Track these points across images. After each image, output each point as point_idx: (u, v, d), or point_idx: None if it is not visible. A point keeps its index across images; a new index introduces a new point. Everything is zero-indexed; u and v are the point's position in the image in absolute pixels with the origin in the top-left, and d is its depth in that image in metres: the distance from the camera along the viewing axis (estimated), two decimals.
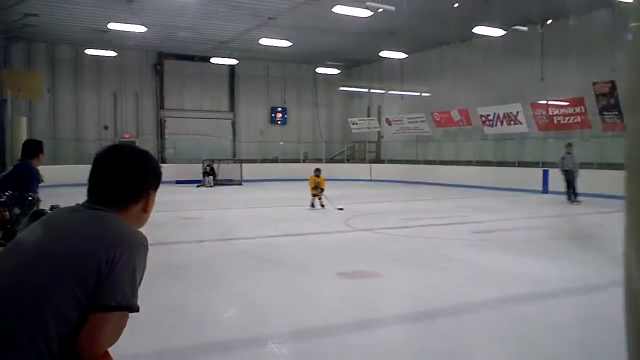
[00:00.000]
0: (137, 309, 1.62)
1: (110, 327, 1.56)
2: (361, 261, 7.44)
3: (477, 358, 4.08)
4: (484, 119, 21.08)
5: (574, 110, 18.16)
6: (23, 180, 5.49)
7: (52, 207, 8.72)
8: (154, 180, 1.86)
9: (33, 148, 5.70)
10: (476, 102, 21.63)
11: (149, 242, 1.70)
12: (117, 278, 1.56)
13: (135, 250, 1.64)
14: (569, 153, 15.25)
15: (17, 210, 5.02)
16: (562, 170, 15.28)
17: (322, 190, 13.27)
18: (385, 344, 4.30)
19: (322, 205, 13.23)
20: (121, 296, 1.56)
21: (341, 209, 12.86)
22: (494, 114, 20.65)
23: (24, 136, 14.55)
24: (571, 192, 15.07)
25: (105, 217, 1.70)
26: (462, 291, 5.75)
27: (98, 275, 1.54)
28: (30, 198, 5.31)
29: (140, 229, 1.76)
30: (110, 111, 25.86)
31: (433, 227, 10.87)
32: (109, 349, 1.59)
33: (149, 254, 1.70)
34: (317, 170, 13.50)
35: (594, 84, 17.23)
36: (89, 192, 1.78)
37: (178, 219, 11.65)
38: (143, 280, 1.68)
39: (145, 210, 1.84)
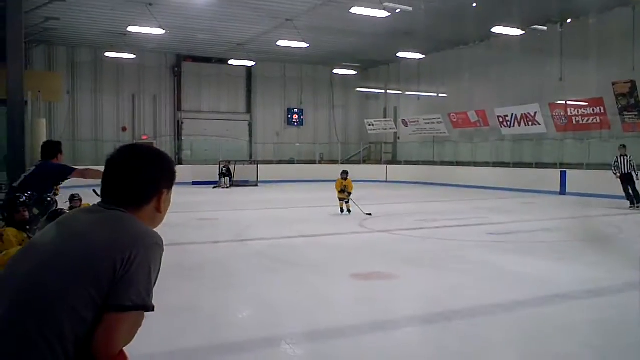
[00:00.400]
0: (152, 309, 1.62)
1: (125, 327, 1.56)
2: (377, 262, 7.42)
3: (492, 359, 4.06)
4: (501, 119, 20.91)
5: (593, 111, 17.92)
6: (48, 179, 5.60)
7: (72, 196, 8.76)
8: (166, 179, 1.83)
9: (52, 148, 5.80)
10: (494, 103, 21.46)
11: (164, 243, 1.71)
12: (132, 278, 1.56)
13: (150, 250, 1.63)
14: (623, 155, 13.99)
15: (35, 211, 5.12)
16: (619, 175, 14.00)
17: (350, 194, 12.45)
18: (401, 345, 4.29)
19: (349, 211, 12.47)
20: (136, 296, 1.56)
21: (369, 214, 12.21)
22: (512, 114, 20.48)
23: (43, 138, 14.72)
24: (632, 197, 13.82)
25: (121, 217, 1.70)
26: (478, 293, 5.72)
27: (113, 275, 1.54)
28: (49, 199, 5.41)
29: (155, 229, 1.76)
30: (128, 113, 26.16)
31: (449, 228, 10.80)
32: (124, 349, 1.60)
33: (163, 254, 1.70)
34: (345, 173, 12.71)
35: (613, 83, 17.00)
36: (103, 192, 1.79)
37: (193, 220, 11.72)
38: (157, 280, 1.68)
39: (159, 209, 1.81)
